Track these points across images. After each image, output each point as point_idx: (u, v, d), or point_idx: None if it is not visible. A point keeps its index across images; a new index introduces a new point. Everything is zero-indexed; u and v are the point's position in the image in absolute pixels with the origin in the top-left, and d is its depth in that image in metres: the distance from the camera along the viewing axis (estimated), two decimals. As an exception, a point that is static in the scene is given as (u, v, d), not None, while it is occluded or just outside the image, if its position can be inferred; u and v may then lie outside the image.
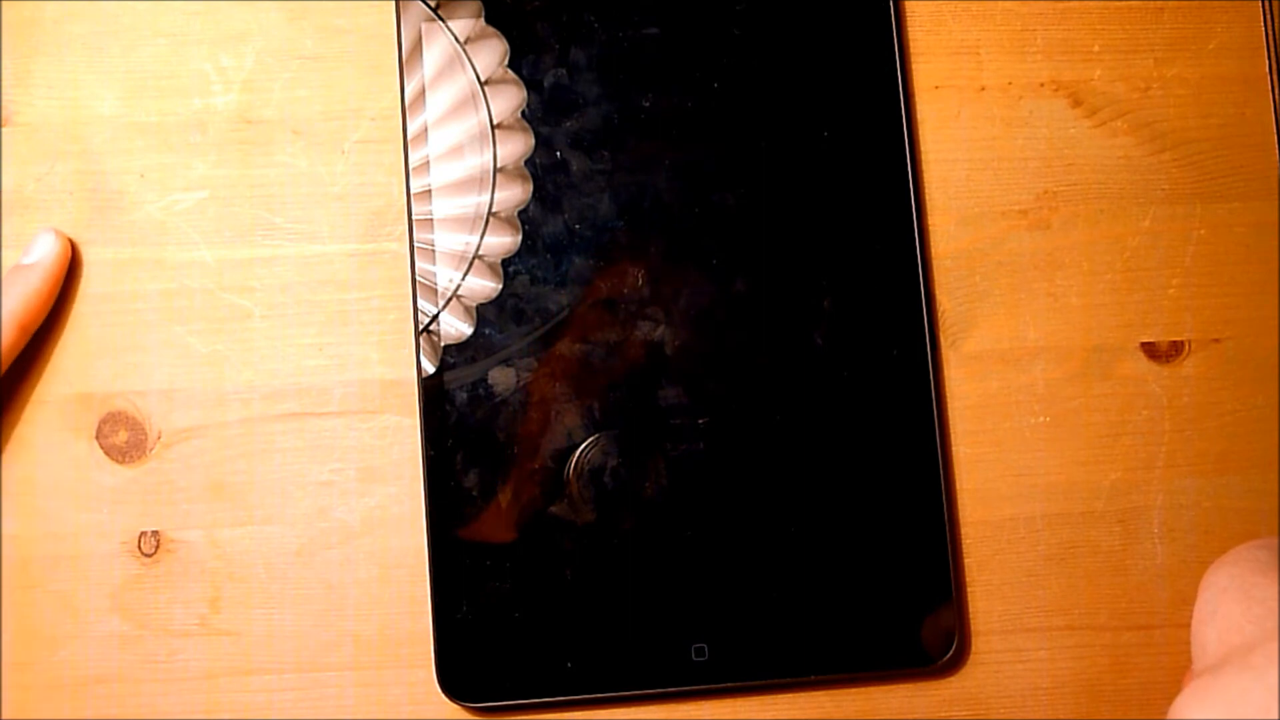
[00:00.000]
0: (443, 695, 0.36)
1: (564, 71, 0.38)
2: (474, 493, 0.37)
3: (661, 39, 0.38)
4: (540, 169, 0.38)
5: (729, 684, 0.36)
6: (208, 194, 0.38)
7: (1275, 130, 0.40)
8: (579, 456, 0.37)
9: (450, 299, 0.37)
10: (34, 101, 0.38)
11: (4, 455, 0.37)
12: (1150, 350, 0.39)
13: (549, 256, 0.38)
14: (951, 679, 0.37)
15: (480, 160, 0.38)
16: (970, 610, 0.38)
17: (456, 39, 0.38)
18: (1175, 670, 0.37)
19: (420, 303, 0.37)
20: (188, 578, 0.37)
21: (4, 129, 0.38)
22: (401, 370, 0.38)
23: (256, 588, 0.37)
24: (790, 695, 0.37)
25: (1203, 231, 0.39)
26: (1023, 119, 0.39)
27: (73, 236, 0.38)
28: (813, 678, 0.37)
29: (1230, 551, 0.34)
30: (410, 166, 0.38)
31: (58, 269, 0.37)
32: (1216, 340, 0.39)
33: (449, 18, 0.38)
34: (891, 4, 0.39)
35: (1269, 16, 0.40)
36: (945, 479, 0.38)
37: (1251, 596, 0.32)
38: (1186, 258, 0.39)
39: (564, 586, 0.36)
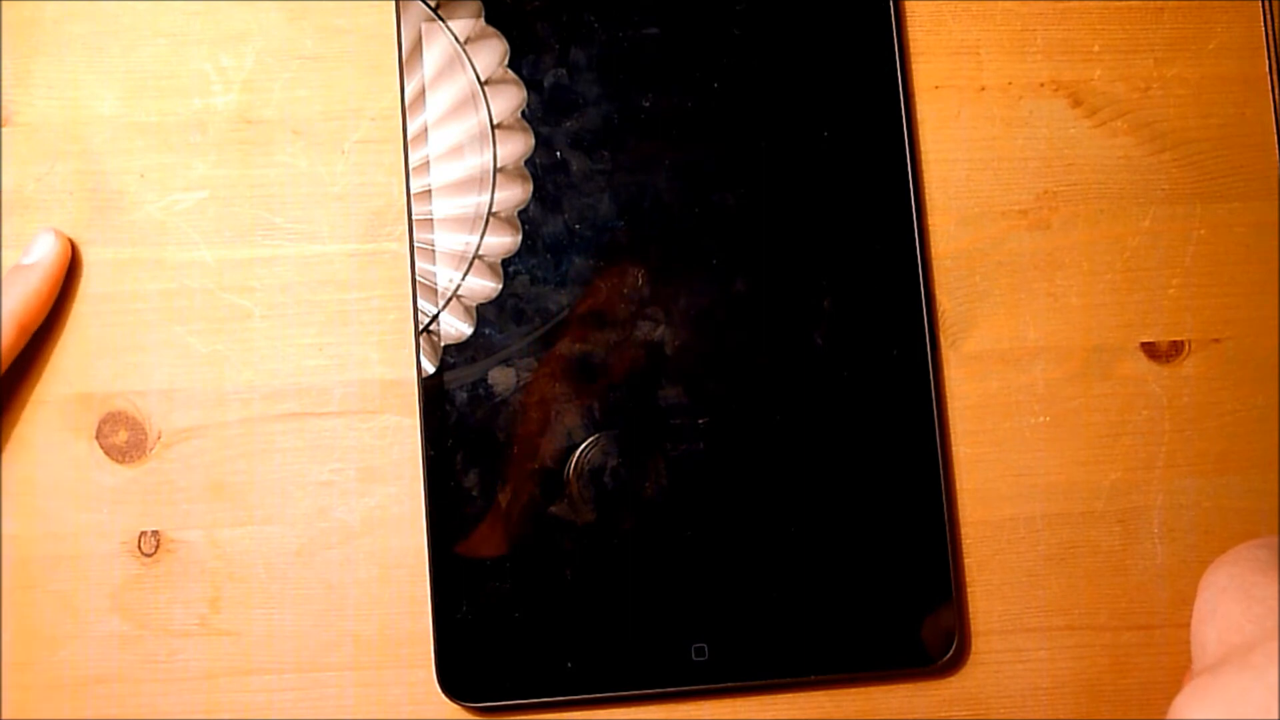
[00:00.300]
0: (443, 695, 0.36)
1: (564, 71, 0.38)
2: (474, 493, 0.37)
3: (661, 39, 0.38)
4: (540, 169, 0.38)
5: (729, 684, 0.36)
6: (208, 194, 0.38)
7: (1275, 130, 0.40)
8: (579, 456, 0.37)
9: (450, 299, 0.37)
10: (34, 101, 0.38)
11: (4, 455, 0.37)
12: (1150, 350, 0.39)
13: (549, 256, 0.38)
14: (951, 679, 0.37)
15: (480, 160, 0.38)
16: (970, 610, 0.38)
17: (456, 39, 0.38)
18: (1175, 670, 0.37)
19: (420, 303, 0.37)
20: (188, 578, 0.37)
21: (4, 129, 0.38)
22: (401, 370, 0.38)
23: (256, 588, 0.37)
24: (790, 695, 0.37)
25: (1203, 231, 0.39)
26: (1023, 119, 0.39)
27: (73, 236, 0.38)
28: (813, 678, 0.37)
29: (1230, 551, 0.34)
30: (410, 166, 0.38)
31: (57, 269, 0.37)
32: (1216, 340, 0.39)
33: (449, 18, 0.38)
34: (891, 4, 0.39)
35: (1269, 16, 0.40)
36: (945, 479, 0.38)
37: (1251, 596, 0.32)
38: (1186, 258, 0.39)
39: (564, 586, 0.36)
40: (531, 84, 0.38)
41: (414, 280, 0.37)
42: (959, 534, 0.38)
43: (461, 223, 0.38)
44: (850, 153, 0.38)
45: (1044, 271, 0.39)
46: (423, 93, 0.38)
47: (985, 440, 0.38)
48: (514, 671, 0.36)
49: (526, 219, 0.38)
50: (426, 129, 0.38)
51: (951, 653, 0.37)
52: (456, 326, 0.37)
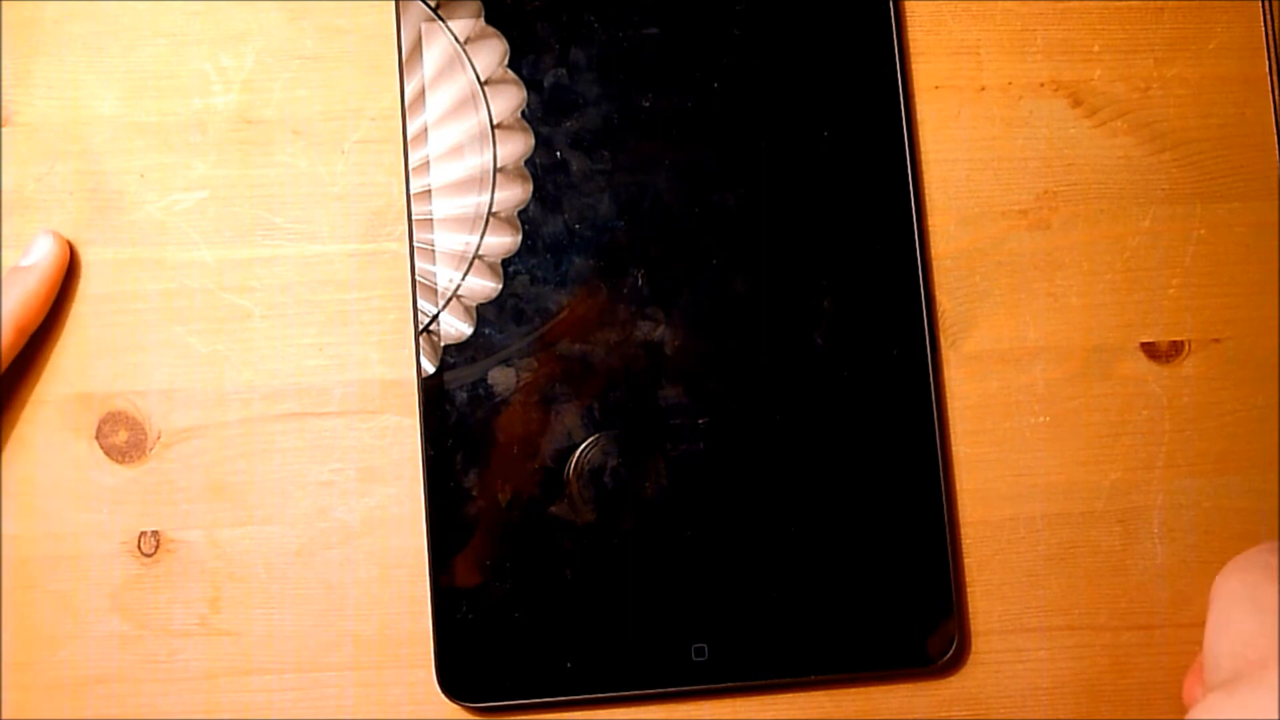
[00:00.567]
0: (443, 695, 0.36)
1: (564, 71, 0.38)
2: (474, 493, 0.37)
3: (661, 39, 0.38)
4: (540, 169, 0.38)
5: (729, 684, 0.36)
6: (208, 194, 0.38)
7: (1275, 130, 0.40)
8: (579, 456, 0.37)
9: (450, 299, 0.37)
10: (34, 101, 0.38)
11: (4, 455, 0.37)
12: (1150, 350, 0.39)
13: (549, 256, 0.38)
14: (951, 679, 0.37)
15: (480, 160, 0.38)
16: (970, 610, 0.38)
17: (456, 39, 0.38)
18: (1175, 670, 0.37)
19: (420, 303, 0.37)
20: (188, 578, 0.37)
21: (4, 129, 0.38)
22: (401, 370, 0.38)
23: (256, 588, 0.37)
24: (790, 695, 0.37)
25: (1203, 231, 0.39)
26: (1023, 119, 0.39)
27: (73, 236, 0.38)
28: (813, 678, 0.37)
29: (1241, 556, 0.34)
30: (410, 166, 0.38)
31: (55, 271, 0.37)
32: (1216, 340, 0.39)
33: (449, 18, 0.38)
34: (891, 4, 0.39)
35: (1269, 16, 0.40)
36: (945, 479, 0.38)
37: (1264, 607, 0.31)
38: (1186, 258, 0.39)
39: (564, 586, 0.36)
40: (531, 84, 0.38)
41: (414, 280, 0.37)
42: (959, 534, 0.38)
43: (461, 223, 0.38)
44: (850, 153, 0.38)
45: (1044, 271, 0.39)
46: (423, 93, 0.38)
47: (985, 440, 0.38)
48: (514, 671, 0.36)
49: (526, 219, 0.38)
50: (426, 129, 0.38)
51: (951, 653, 0.37)
52: (456, 326, 0.37)
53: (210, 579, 0.37)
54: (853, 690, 0.37)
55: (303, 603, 0.37)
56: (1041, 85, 0.40)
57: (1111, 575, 0.38)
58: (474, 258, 0.38)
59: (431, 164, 0.38)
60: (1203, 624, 0.33)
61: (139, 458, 0.37)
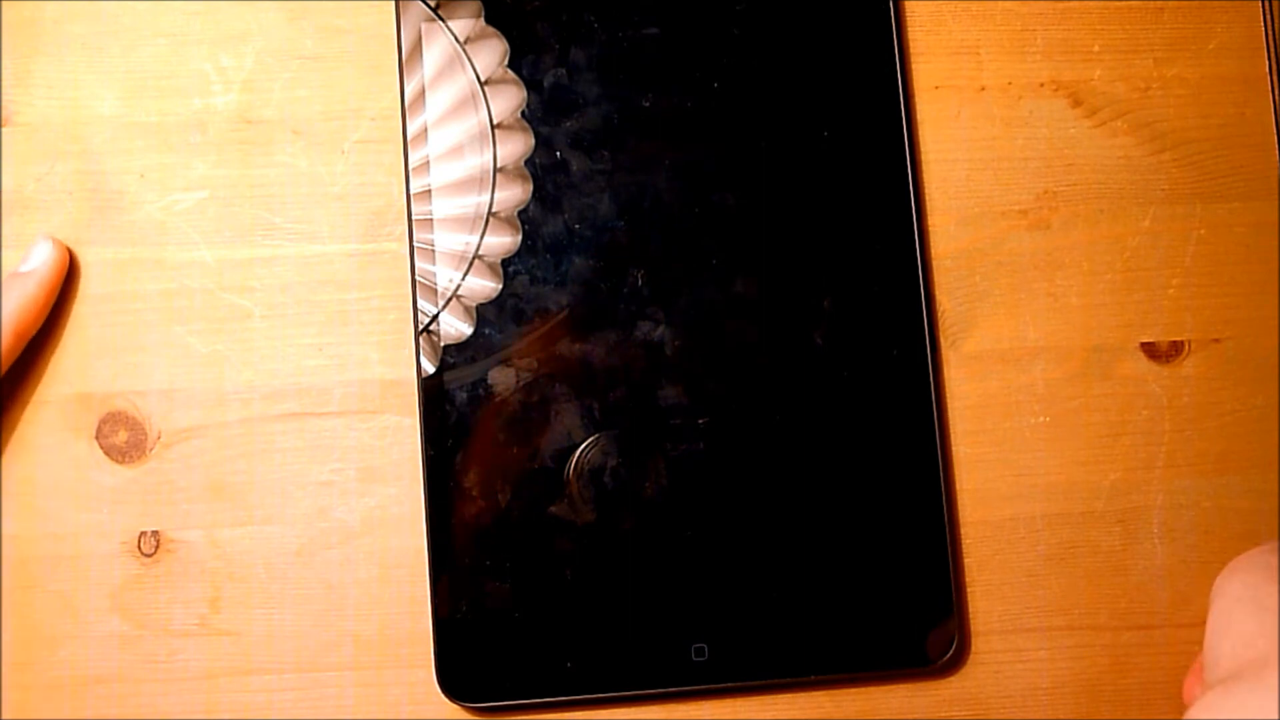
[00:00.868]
0: (442, 695, 0.36)
1: (564, 71, 0.38)
2: (474, 493, 0.37)
3: (661, 39, 0.38)
4: (540, 169, 0.38)
5: (729, 684, 0.36)
6: (208, 194, 0.38)
7: (1275, 130, 0.40)
8: (579, 456, 0.37)
9: (450, 299, 0.37)
10: (34, 101, 0.38)
11: (4, 455, 0.37)
12: (1150, 350, 0.39)
13: (549, 256, 0.38)
14: (951, 679, 0.37)
15: (480, 160, 0.38)
16: (970, 610, 0.38)
17: (456, 39, 0.38)
18: (1175, 670, 0.37)
19: (420, 303, 0.37)
20: (188, 578, 0.37)
21: (4, 129, 0.38)
22: (401, 370, 0.38)
23: (256, 588, 0.37)
24: (790, 695, 0.37)
25: (1203, 231, 0.39)
26: (1023, 119, 0.39)
27: (73, 236, 0.38)
28: (813, 678, 0.37)
29: (1243, 556, 0.34)
30: (410, 166, 0.38)
31: (54, 278, 0.37)
32: (1216, 340, 0.39)
33: (449, 18, 0.38)
34: (891, 4, 0.39)
35: (1269, 16, 0.40)
36: (945, 479, 0.38)
37: (1265, 607, 0.31)
38: (1186, 258, 0.39)
39: (564, 586, 0.36)
40: (531, 84, 0.38)
41: (414, 280, 0.37)
42: (959, 534, 0.38)
43: (461, 223, 0.38)
44: (850, 153, 0.38)
45: (1044, 271, 0.39)
46: (423, 93, 0.38)
47: (985, 440, 0.38)
48: (514, 671, 0.36)
49: (526, 219, 0.38)
50: (426, 129, 0.38)
51: (951, 653, 0.37)
52: (456, 326, 0.37)
53: (210, 579, 0.37)
54: (853, 690, 0.37)
55: (303, 603, 0.37)
56: (1041, 85, 0.40)
57: (1111, 575, 0.38)
58: (474, 258, 0.38)
59: (431, 164, 0.38)
60: (1203, 624, 0.33)
61: (139, 458, 0.37)
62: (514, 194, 0.38)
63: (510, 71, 0.38)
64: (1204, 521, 0.38)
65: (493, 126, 0.38)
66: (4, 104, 0.38)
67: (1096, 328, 0.39)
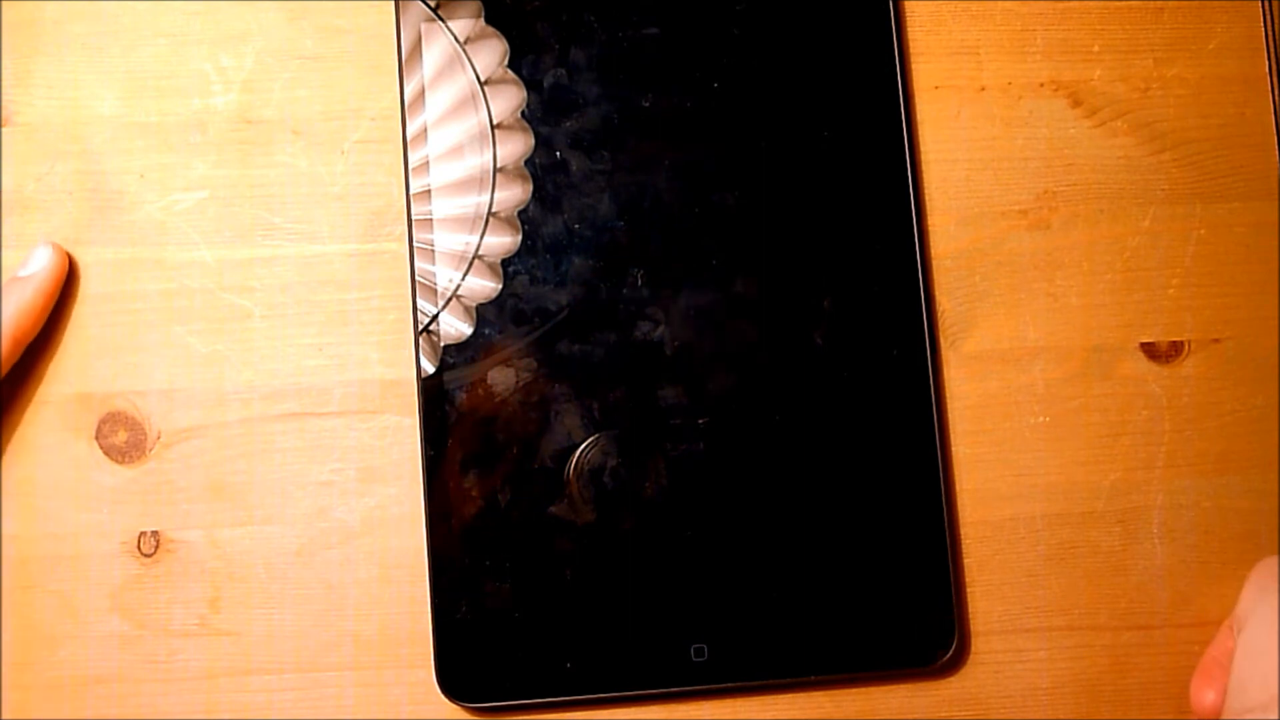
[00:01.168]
0: (442, 695, 0.36)
1: (564, 71, 0.38)
2: (474, 493, 0.37)
3: (661, 39, 0.38)
4: (540, 169, 0.38)
5: (729, 684, 0.36)
6: (208, 194, 0.38)
7: (1275, 130, 0.40)
8: (579, 456, 0.37)
9: (450, 299, 0.37)
10: (34, 101, 0.38)
11: (4, 455, 0.37)
12: (1150, 350, 0.39)
13: (549, 256, 0.38)
14: (951, 679, 0.37)
15: (480, 160, 0.38)
16: (970, 610, 0.38)
17: (456, 39, 0.38)
18: (1175, 670, 0.37)
19: (420, 303, 0.37)
20: (188, 578, 0.37)
21: (4, 129, 0.38)
22: (401, 370, 0.38)
23: (256, 588, 0.37)
24: (790, 695, 0.37)
25: (1203, 231, 0.39)
26: (1023, 119, 0.39)
27: (73, 236, 0.38)
28: (813, 678, 0.37)
29: (1272, 572, 0.33)
30: (410, 166, 0.38)
31: (53, 283, 0.37)
32: (1216, 340, 0.39)
33: (449, 18, 0.38)
34: (891, 4, 0.39)
35: (1269, 16, 0.40)
36: (945, 479, 0.38)
37: None
38: (1186, 258, 0.39)
39: (564, 586, 0.36)
40: (531, 84, 0.38)
41: (414, 280, 0.37)
42: (959, 534, 0.38)
43: (461, 223, 0.38)
44: (850, 153, 0.38)
45: (1044, 271, 0.39)
46: (422, 93, 0.38)
47: (985, 440, 0.38)
48: (514, 672, 0.36)
49: (526, 219, 0.38)
50: (426, 129, 0.38)
51: (951, 653, 0.37)
52: (456, 326, 0.37)
53: (210, 579, 0.37)
54: (853, 690, 0.37)
55: (303, 603, 0.37)
56: (1041, 85, 0.40)
57: (1111, 575, 0.38)
58: (474, 258, 0.38)
59: (431, 164, 0.38)
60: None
61: (139, 458, 0.37)
62: (514, 194, 0.38)
63: (510, 71, 0.38)
64: (1204, 521, 0.38)
65: (492, 126, 0.38)
66: (4, 104, 0.38)
67: (1096, 328, 0.39)
